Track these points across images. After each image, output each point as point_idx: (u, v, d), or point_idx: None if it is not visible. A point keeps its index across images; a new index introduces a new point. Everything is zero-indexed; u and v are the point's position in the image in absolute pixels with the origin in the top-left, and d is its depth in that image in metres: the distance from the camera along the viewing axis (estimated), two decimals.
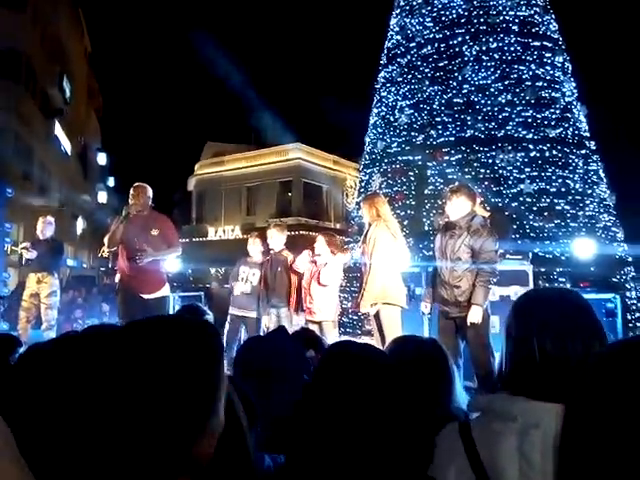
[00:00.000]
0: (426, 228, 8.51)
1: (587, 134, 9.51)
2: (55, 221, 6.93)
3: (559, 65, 9.54)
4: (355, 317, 8.76)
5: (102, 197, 34.23)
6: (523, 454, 0.89)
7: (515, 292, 4.98)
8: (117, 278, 4.69)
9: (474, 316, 3.87)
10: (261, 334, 5.26)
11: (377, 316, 4.45)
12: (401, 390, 0.95)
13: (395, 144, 9.74)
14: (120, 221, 4.52)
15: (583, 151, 9.23)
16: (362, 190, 10.53)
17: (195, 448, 0.66)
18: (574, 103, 9.51)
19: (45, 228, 6.60)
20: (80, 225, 27.78)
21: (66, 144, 24.48)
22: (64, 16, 23.43)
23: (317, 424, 0.91)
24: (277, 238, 5.39)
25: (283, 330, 1.95)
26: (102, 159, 34.66)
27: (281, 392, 1.18)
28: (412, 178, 9.31)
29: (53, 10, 21.24)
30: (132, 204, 4.60)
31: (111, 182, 37.13)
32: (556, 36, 9.74)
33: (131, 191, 4.72)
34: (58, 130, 22.66)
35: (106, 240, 4.55)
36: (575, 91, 9.66)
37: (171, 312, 5.21)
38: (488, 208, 5.86)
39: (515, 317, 1.08)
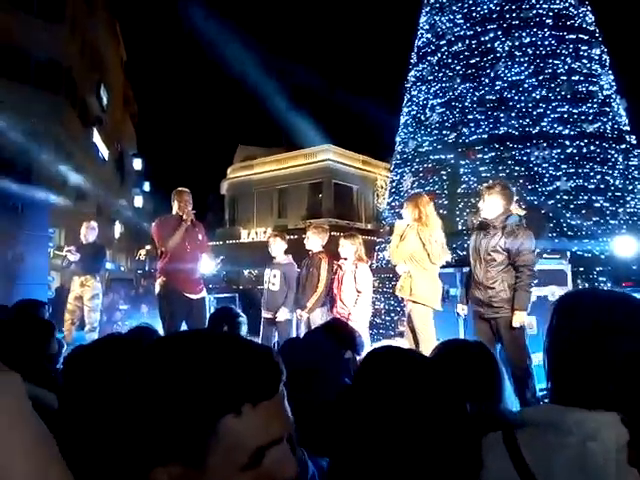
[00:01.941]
0: (459, 227, 8.39)
1: (627, 128, 9.20)
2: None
3: (596, 58, 9.26)
4: (388, 318, 8.72)
5: (138, 201, 35.11)
6: (582, 468, 0.86)
7: (552, 292, 4.86)
8: (160, 280, 4.80)
9: (518, 321, 3.80)
10: (293, 335, 5.30)
11: (409, 316, 4.44)
12: (446, 392, 0.93)
13: (426, 143, 9.66)
14: (184, 228, 4.72)
15: (623, 146, 8.93)
16: (393, 190, 10.47)
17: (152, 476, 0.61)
18: (613, 96, 9.21)
19: (89, 233, 6.83)
20: (117, 229, 28.59)
21: (104, 150, 25.25)
22: (101, 26, 24.17)
23: (362, 427, 0.89)
24: (313, 239, 5.39)
25: (319, 331, 1.96)
26: (138, 164, 35.57)
27: (320, 394, 1.19)
28: (444, 177, 9.20)
29: (91, 20, 21.93)
30: (189, 210, 4.81)
31: (146, 187, 38.06)
32: (592, 28, 9.46)
33: (180, 197, 4.89)
34: (96, 137, 23.39)
35: (170, 242, 4.68)
36: (613, 84, 9.36)
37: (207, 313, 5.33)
38: (524, 206, 5.74)
39: (564, 319, 1.02)
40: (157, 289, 4.83)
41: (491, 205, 4.04)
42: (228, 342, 0.67)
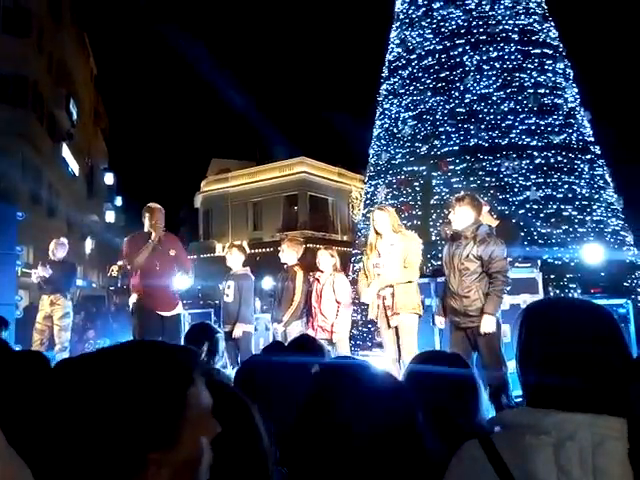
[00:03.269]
0: (433, 238, 8.50)
1: (592, 139, 9.50)
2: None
3: (560, 71, 9.58)
4: (365, 329, 8.73)
5: (110, 216, 34.51)
6: (561, 467, 0.88)
7: (524, 300, 4.94)
8: (133, 298, 4.70)
9: (486, 326, 3.85)
10: (252, 350, 5.21)
11: (395, 326, 4.43)
12: (397, 409, 0.94)
13: (399, 155, 9.78)
14: (151, 246, 4.61)
15: (588, 156, 9.22)
16: (368, 202, 10.55)
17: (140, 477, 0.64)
18: (577, 109, 9.52)
19: (58, 249, 6.64)
20: (89, 245, 28.00)
21: (74, 165, 24.79)
22: (69, 40, 23.86)
23: (314, 441, 0.93)
24: (287, 252, 5.33)
25: (278, 345, 1.94)
26: (109, 179, 35.01)
27: (282, 411, 1.18)
28: (417, 189, 9.33)
29: (58, 34, 21.64)
30: (157, 227, 4.71)
31: (118, 201, 37.45)
32: (556, 43, 9.79)
33: (151, 213, 4.78)
34: (66, 152, 22.96)
35: (136, 261, 4.58)
36: (578, 97, 9.67)
37: (183, 329, 5.23)
38: (495, 216, 5.85)
39: (528, 327, 1.06)
40: (130, 307, 4.75)
41: (462, 216, 4.11)
42: (154, 343, 0.77)
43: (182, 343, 3.05)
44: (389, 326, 4.40)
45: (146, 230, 4.78)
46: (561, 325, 1.01)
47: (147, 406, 0.66)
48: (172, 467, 0.66)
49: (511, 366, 3.90)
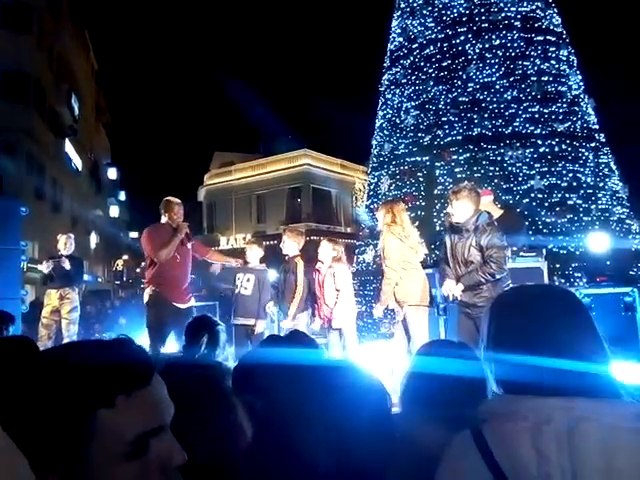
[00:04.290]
0: (437, 228, 8.48)
1: (596, 127, 9.42)
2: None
3: (564, 59, 9.48)
4: (370, 320, 8.74)
5: (114, 211, 34.64)
6: (539, 451, 0.89)
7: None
8: (149, 290, 4.72)
9: (451, 287, 4.04)
10: None
11: (404, 318, 4.45)
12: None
13: (402, 146, 9.74)
14: (178, 240, 4.70)
15: (593, 144, 9.15)
16: (371, 193, 10.52)
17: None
18: (581, 96, 9.44)
19: (66, 244, 6.70)
20: (93, 240, 28.11)
21: (77, 161, 24.82)
22: (69, 35, 23.80)
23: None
24: (289, 244, 5.32)
25: (274, 339, 1.94)
26: (112, 174, 35.08)
27: (277, 405, 1.19)
28: (421, 179, 9.29)
29: (58, 30, 21.58)
30: (181, 222, 4.80)
31: (122, 196, 37.56)
32: (559, 30, 9.69)
33: (173, 207, 4.85)
34: (68, 147, 22.98)
35: (163, 254, 4.61)
36: (582, 84, 9.58)
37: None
38: (499, 206, 5.82)
39: (497, 317, 1.07)
40: (145, 298, 4.76)
41: (461, 209, 4.11)
42: (93, 345, 0.69)
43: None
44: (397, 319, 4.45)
45: (164, 222, 4.81)
46: (531, 310, 1.02)
47: (41, 426, 0.60)
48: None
49: None
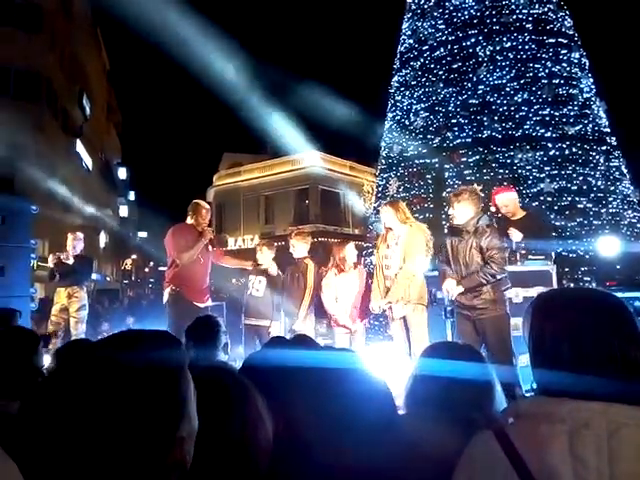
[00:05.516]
0: (445, 231, 8.44)
1: (607, 130, 9.34)
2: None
3: (575, 61, 9.41)
4: (377, 322, 8.72)
5: (123, 211, 34.87)
6: (576, 456, 0.88)
7: (538, 293, 4.89)
8: (170, 289, 4.78)
9: (450, 286, 4.05)
10: None
11: (404, 317, 4.43)
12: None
13: (411, 147, 9.71)
14: (203, 244, 4.81)
15: (604, 147, 9.06)
16: (380, 195, 10.50)
17: (170, 457, 0.69)
18: (593, 99, 9.36)
19: (75, 244, 6.77)
20: (103, 239, 28.32)
21: (87, 160, 25.03)
22: (82, 35, 24.01)
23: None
24: (299, 246, 5.32)
25: (279, 340, 1.93)
26: (122, 173, 35.34)
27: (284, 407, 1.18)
28: (429, 181, 9.26)
29: (70, 30, 21.78)
30: (207, 227, 4.93)
31: (132, 196, 37.80)
32: (571, 32, 9.61)
33: (201, 210, 4.96)
34: (79, 147, 23.19)
35: (187, 257, 4.68)
36: (593, 87, 9.51)
37: None
38: (521, 206, 5.77)
39: (540, 318, 1.06)
40: (165, 297, 4.84)
41: (462, 211, 4.14)
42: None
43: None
44: (393, 318, 4.42)
45: (189, 223, 4.87)
46: (574, 313, 1.00)
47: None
48: (190, 439, 0.73)
49: (522, 360, 3.87)
